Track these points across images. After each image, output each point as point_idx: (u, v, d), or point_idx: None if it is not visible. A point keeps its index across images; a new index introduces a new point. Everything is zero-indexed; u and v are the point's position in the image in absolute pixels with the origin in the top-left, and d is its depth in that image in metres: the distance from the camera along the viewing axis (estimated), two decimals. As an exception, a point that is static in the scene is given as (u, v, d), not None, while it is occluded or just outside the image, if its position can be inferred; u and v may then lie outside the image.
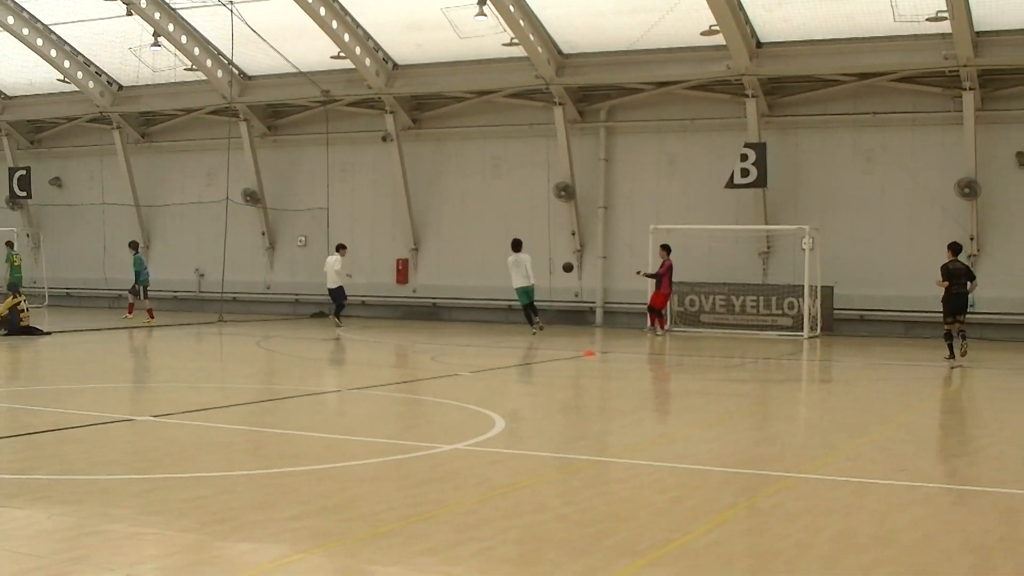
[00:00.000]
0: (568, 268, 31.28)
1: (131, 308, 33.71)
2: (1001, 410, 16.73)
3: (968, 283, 22.85)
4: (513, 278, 29.79)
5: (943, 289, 22.62)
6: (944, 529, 8.65)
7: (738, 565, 7.54)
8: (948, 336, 22.69)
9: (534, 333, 29.12)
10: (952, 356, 22.48)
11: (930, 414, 16.00)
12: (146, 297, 33.14)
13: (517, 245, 29.94)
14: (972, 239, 29.67)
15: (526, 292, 29.70)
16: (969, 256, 29.66)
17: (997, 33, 28.76)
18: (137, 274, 33.38)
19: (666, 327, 30.66)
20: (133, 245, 34.65)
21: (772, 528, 8.69)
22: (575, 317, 34.47)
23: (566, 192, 33.77)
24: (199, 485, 9.84)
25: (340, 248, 32.34)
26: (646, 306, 31.14)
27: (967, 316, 23.15)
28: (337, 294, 31.94)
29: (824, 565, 7.54)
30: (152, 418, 13.02)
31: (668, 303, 30.80)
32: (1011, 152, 29.63)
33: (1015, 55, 28.75)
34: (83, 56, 38.43)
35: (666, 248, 30.28)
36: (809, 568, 7.46)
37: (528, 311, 29.91)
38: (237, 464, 11.12)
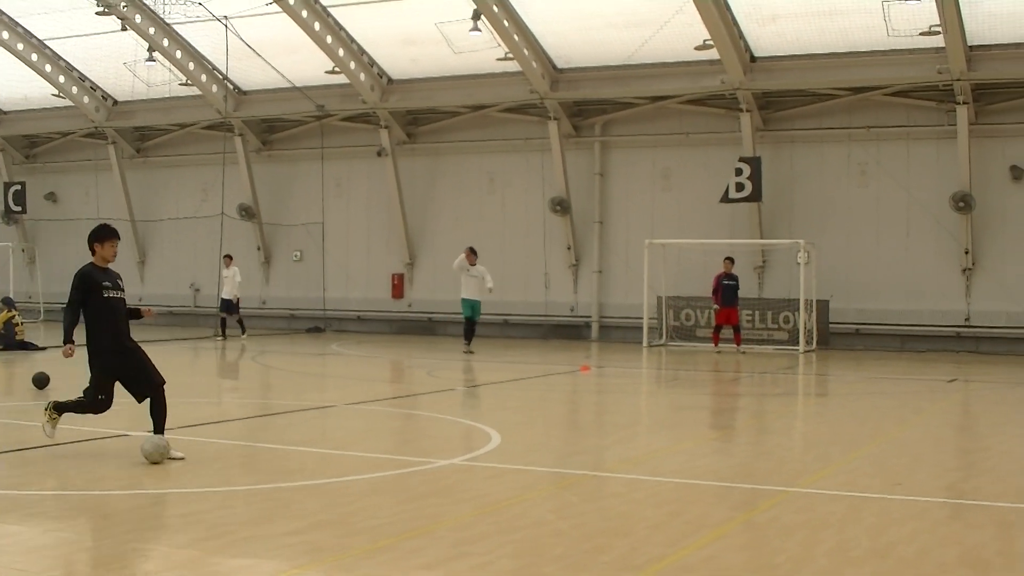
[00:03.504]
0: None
1: None
2: (997, 424, 16.73)
3: None
4: (473, 289, 28.61)
5: None
6: (940, 543, 8.65)
7: (735, 579, 7.53)
8: None
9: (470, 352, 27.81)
10: None
11: (926, 428, 16.00)
12: None
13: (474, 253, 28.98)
14: (967, 253, 29.72)
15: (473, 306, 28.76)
16: (964, 270, 29.74)
17: (990, 47, 28.83)
18: None
19: (739, 345, 29.37)
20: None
21: (769, 542, 8.69)
22: (570, 332, 34.45)
23: (561, 207, 33.78)
24: (194, 500, 9.82)
25: (229, 258, 33.32)
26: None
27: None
28: (232, 305, 32.76)
29: (821, 579, 7.53)
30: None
31: (728, 318, 29.36)
32: (1005, 166, 29.68)
33: (1009, 69, 28.82)
34: (78, 71, 38.47)
35: (729, 260, 29.53)
36: (806, 582, 7.46)
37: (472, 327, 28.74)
38: (233, 479, 11.10)
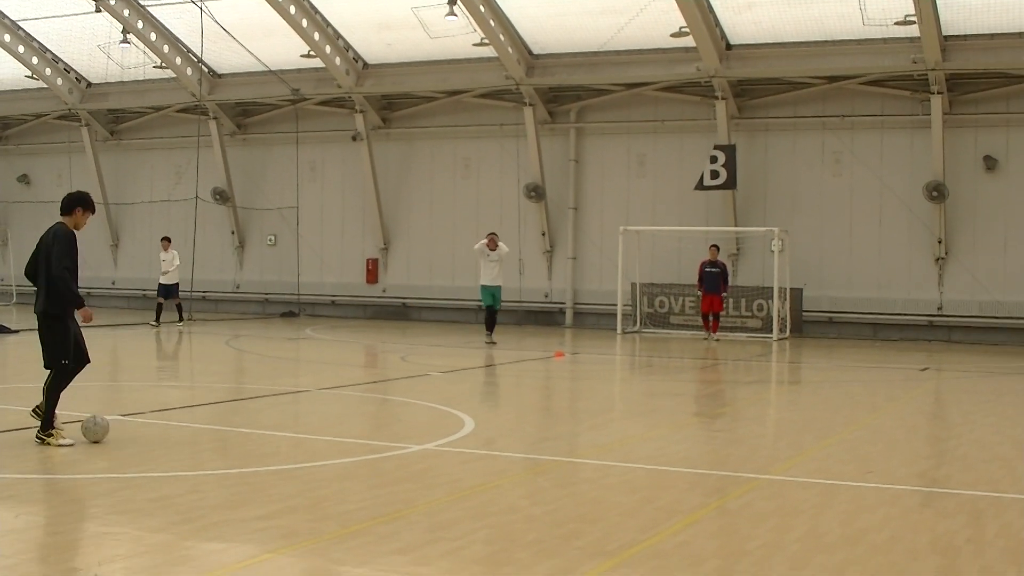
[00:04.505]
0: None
1: None
2: (968, 412, 16.80)
3: None
4: (492, 274, 27.15)
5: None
6: (912, 530, 8.69)
7: (707, 566, 7.54)
8: None
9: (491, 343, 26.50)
10: None
11: (898, 416, 16.06)
12: None
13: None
14: (940, 242, 29.84)
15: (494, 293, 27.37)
16: (937, 259, 29.86)
17: (965, 37, 28.92)
18: None
19: (715, 332, 29.60)
20: None
21: (741, 529, 8.72)
22: (544, 318, 34.47)
23: (536, 193, 33.77)
24: (167, 484, 9.79)
25: (168, 241, 32.43)
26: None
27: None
28: (171, 290, 31.74)
29: (793, 565, 7.55)
30: (120, 417, 12.94)
31: (712, 305, 29.55)
32: (978, 156, 29.80)
33: (983, 59, 28.93)
34: (51, 53, 38.23)
35: (714, 247, 29.77)
36: (778, 568, 7.48)
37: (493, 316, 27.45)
38: (205, 463, 11.07)
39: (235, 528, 8.27)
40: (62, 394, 11.62)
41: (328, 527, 8.35)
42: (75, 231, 11.87)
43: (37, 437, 11.48)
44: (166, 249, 32.12)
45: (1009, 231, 29.66)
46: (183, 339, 28.45)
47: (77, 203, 11.89)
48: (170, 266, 31.68)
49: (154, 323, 30.87)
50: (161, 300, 31.61)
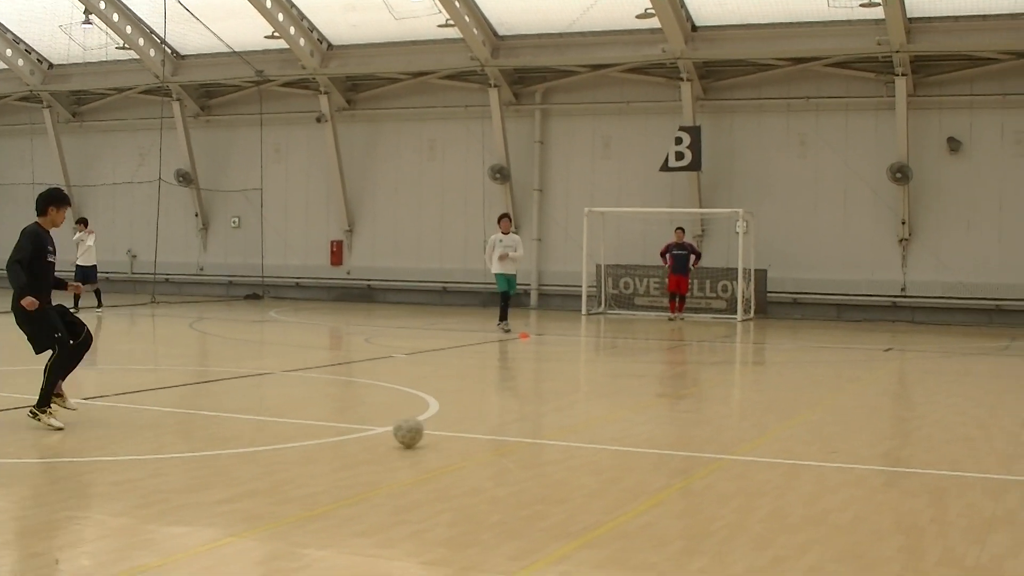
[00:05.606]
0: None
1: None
2: (931, 393, 16.90)
3: None
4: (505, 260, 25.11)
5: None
6: (875, 510, 8.71)
7: (672, 546, 7.55)
8: None
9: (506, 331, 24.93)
10: None
11: (861, 396, 16.12)
12: None
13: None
14: (903, 223, 29.99)
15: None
16: (900, 240, 30.00)
17: (929, 20, 29.02)
18: None
19: (680, 312, 29.94)
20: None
21: (705, 509, 8.73)
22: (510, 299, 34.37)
23: (501, 174, 33.72)
24: (129, 468, 9.73)
25: (84, 222, 30.50)
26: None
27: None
28: (89, 273, 29.53)
29: (756, 546, 7.57)
30: (82, 401, 12.86)
31: (679, 286, 29.93)
32: (942, 138, 29.94)
33: (947, 41, 29.05)
34: (12, 33, 37.90)
35: (680, 229, 30.29)
36: (742, 549, 7.49)
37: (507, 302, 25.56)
38: (168, 447, 11.01)
39: (198, 511, 8.23)
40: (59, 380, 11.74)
41: (291, 510, 8.31)
42: (41, 225, 11.93)
43: (30, 411, 11.51)
44: (83, 230, 30.19)
45: (972, 213, 29.83)
46: (146, 322, 28.31)
47: (48, 203, 11.94)
48: (85, 247, 29.82)
49: (73, 308, 28.90)
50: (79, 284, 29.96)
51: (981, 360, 21.84)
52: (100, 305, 30.07)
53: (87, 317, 27.09)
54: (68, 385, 12.01)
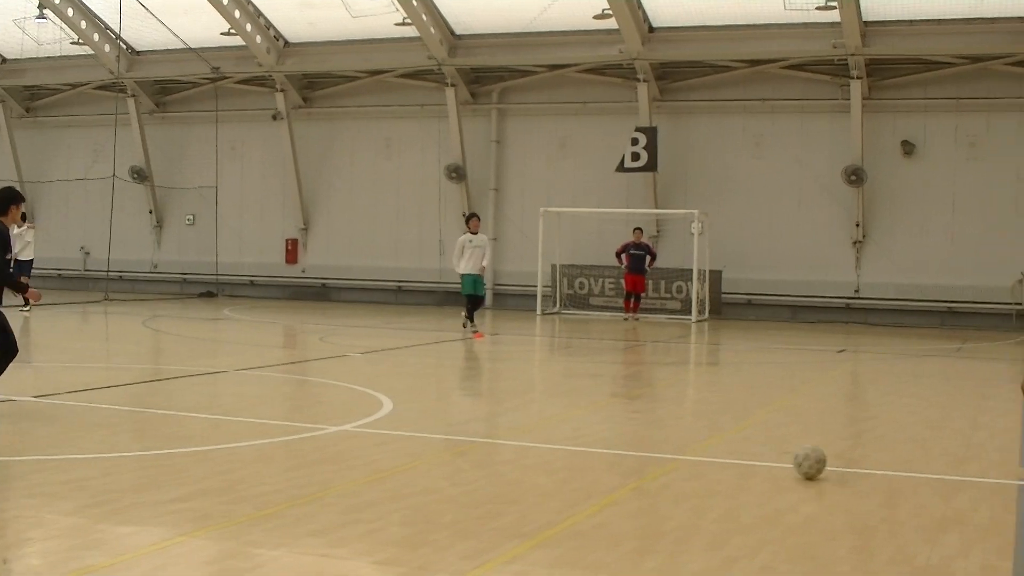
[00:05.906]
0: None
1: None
2: (884, 393, 16.99)
3: None
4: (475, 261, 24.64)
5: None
6: (828, 510, 8.75)
7: (625, 546, 7.55)
8: None
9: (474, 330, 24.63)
10: None
11: (815, 397, 16.20)
12: None
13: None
14: (858, 225, 30.17)
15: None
16: (855, 242, 30.18)
17: (885, 23, 29.21)
18: None
19: (635, 312, 30.30)
20: None
21: (659, 510, 8.74)
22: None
23: (457, 173, 33.68)
24: (80, 467, 9.64)
25: (24, 217, 28.93)
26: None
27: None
28: (28, 268, 27.88)
29: (710, 546, 7.57)
30: (33, 398, 12.75)
31: (635, 286, 30.32)
32: (896, 140, 30.12)
33: (902, 45, 29.24)
34: (-35, 28, 37.56)
35: (638, 230, 30.61)
36: (695, 549, 7.49)
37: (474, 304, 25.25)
38: (120, 445, 10.92)
39: (148, 511, 8.16)
40: None
41: (243, 509, 8.26)
42: (11, 224, 12.08)
43: None
44: (23, 225, 28.12)
45: (925, 215, 30.04)
46: (100, 320, 28.10)
47: (10, 202, 12.01)
48: (23, 242, 27.94)
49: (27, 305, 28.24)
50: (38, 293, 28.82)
51: (934, 361, 21.99)
52: (27, 304, 28.96)
53: (12, 316, 26.79)
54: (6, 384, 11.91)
